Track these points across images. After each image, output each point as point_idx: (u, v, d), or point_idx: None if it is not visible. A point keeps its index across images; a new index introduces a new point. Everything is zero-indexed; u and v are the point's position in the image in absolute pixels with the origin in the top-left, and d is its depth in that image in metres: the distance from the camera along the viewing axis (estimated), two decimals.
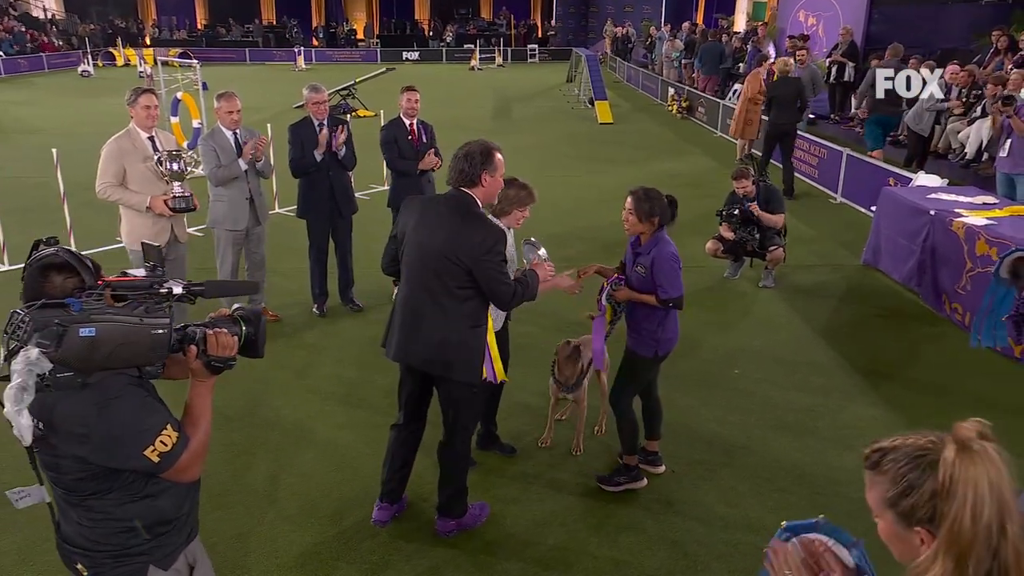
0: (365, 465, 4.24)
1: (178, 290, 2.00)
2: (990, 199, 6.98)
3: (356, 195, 6.62)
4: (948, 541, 1.30)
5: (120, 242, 5.55)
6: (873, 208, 8.00)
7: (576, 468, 4.26)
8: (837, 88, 14.60)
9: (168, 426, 1.98)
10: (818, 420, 4.76)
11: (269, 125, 9.39)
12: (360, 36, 41.05)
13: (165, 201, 5.04)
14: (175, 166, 4.92)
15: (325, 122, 6.01)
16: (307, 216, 6.22)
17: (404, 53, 36.43)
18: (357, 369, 5.42)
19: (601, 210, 9.53)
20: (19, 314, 1.80)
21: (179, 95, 11.69)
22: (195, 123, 11.33)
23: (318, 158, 5.93)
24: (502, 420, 4.57)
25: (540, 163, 12.53)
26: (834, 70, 14.27)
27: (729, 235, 6.99)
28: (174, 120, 11.61)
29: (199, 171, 5.29)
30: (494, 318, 3.82)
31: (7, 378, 1.79)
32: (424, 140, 6.36)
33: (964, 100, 10.50)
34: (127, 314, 1.85)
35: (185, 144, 11.18)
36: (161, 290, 1.97)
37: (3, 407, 1.80)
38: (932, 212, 6.57)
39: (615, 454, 4.34)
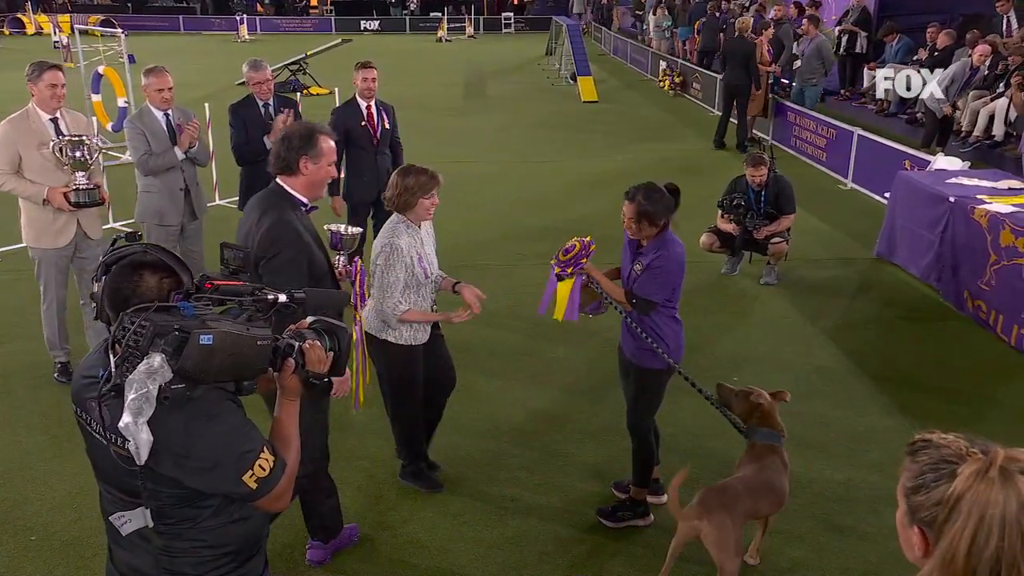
0: (280, 520, 4.19)
1: (283, 298, 2.06)
2: (1016, 183, 7.12)
3: None
4: (941, 564, 1.33)
5: (19, 243, 5.40)
6: (887, 195, 8.13)
7: (561, 492, 4.29)
8: (848, 60, 14.80)
9: (265, 449, 2.00)
10: (828, 432, 4.83)
11: (207, 104, 9.29)
12: (312, 2, 40.74)
13: (65, 194, 4.93)
14: (77, 154, 4.82)
15: (272, 103, 5.97)
16: None
17: (362, 22, 36.30)
18: None
19: (585, 200, 9.58)
20: (133, 320, 1.79)
21: (101, 69, 11.54)
22: (120, 102, 11.18)
23: (269, 144, 5.88)
24: (477, 437, 4.58)
25: (517, 147, 12.55)
26: (844, 40, 14.48)
27: (728, 228, 7.05)
28: (95, 98, 11.46)
29: (125, 158, 5.21)
30: (371, 318, 3.81)
31: (118, 388, 1.79)
32: (386, 126, 6.32)
33: (986, 74, 10.71)
34: (233, 321, 1.88)
35: (109, 126, 11.05)
36: (268, 296, 2.01)
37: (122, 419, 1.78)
38: (952, 199, 6.69)
39: (607, 480, 4.38)
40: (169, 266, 1.98)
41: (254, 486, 1.97)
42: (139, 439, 1.77)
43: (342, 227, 3.92)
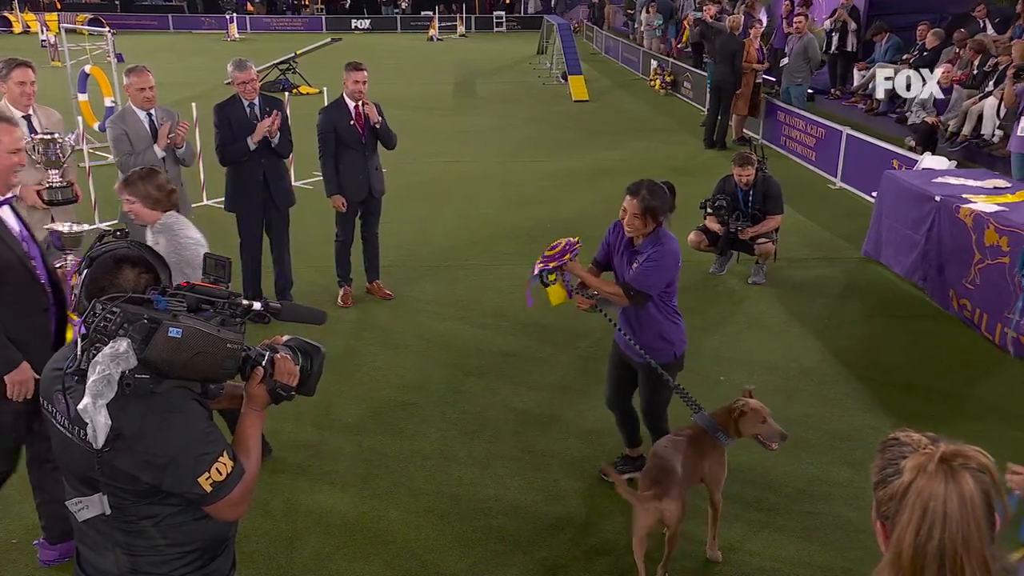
0: (266, 524, 4.22)
1: (257, 306, 2.08)
2: (1001, 183, 7.17)
3: (294, 184, 6.59)
4: (892, 554, 1.35)
5: None
6: (875, 194, 8.18)
7: (545, 491, 4.31)
8: (838, 59, 14.85)
9: (225, 453, 2.00)
10: (812, 431, 4.86)
11: (194, 104, 9.29)
12: (305, 1, 40.71)
13: (39, 192, 4.91)
14: (49, 151, 4.81)
15: (257, 103, 5.97)
16: (237, 209, 6.18)
17: (353, 21, 36.26)
18: None
19: (575, 199, 9.60)
20: (104, 306, 1.81)
21: (87, 69, 11.51)
22: (107, 101, 11.17)
23: (252, 146, 5.88)
24: (463, 436, 4.59)
25: (507, 146, 12.57)
26: (835, 39, 14.53)
27: (716, 227, 7.09)
28: (82, 98, 11.44)
29: (111, 158, 5.20)
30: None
31: (83, 372, 1.81)
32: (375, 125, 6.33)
33: (974, 75, 10.77)
34: (205, 322, 1.91)
35: (96, 126, 11.03)
36: (242, 302, 2.04)
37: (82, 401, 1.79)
38: (938, 198, 6.73)
39: (593, 479, 4.41)
40: (149, 263, 2.02)
41: (209, 489, 1.96)
42: (97, 422, 1.78)
43: (65, 226, 3.77)
